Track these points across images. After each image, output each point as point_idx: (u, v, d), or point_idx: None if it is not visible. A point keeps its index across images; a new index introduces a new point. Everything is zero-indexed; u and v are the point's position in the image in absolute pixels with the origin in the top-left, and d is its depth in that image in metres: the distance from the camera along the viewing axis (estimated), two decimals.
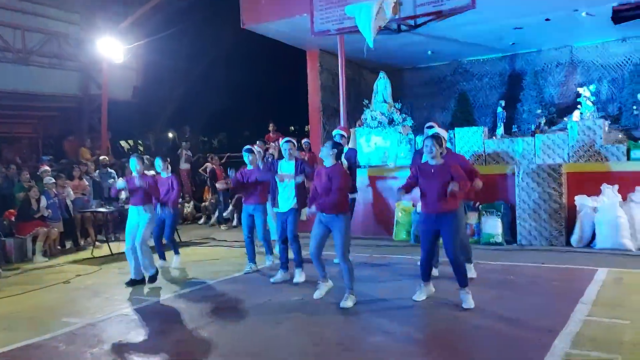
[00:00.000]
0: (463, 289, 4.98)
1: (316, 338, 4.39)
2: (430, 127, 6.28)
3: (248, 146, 7.07)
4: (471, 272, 5.91)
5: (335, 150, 5.28)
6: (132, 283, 6.51)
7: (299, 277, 6.27)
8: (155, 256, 7.45)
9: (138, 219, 6.44)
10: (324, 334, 4.49)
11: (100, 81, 14.94)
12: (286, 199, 6.18)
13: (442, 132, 6.08)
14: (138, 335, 4.64)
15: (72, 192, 9.91)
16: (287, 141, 6.35)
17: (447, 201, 4.84)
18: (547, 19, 10.25)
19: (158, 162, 7.67)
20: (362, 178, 9.12)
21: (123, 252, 8.68)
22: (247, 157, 6.90)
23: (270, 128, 13.80)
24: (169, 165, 7.79)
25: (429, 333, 4.42)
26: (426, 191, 4.99)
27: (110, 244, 8.98)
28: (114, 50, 14.05)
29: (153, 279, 6.53)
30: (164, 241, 7.63)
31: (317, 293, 5.56)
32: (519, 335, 4.23)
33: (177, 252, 7.68)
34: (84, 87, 15.41)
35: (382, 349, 4.11)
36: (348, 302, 5.15)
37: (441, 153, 5.04)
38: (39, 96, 14.17)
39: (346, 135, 7.52)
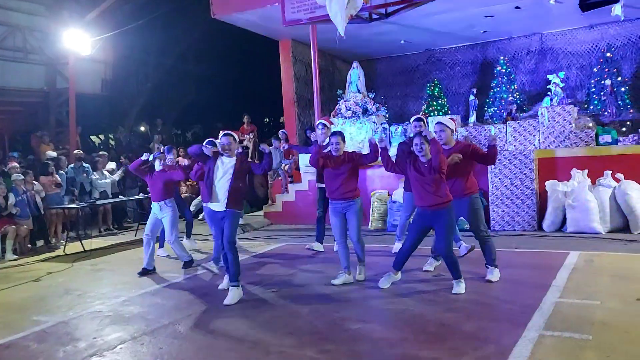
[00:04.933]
0: (455, 280, 5.06)
1: (293, 329, 4.38)
2: (419, 119, 6.14)
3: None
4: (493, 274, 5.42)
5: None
6: (144, 273, 6.62)
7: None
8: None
9: (161, 214, 6.80)
10: (301, 324, 4.49)
11: (67, 74, 14.54)
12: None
13: (449, 122, 5.49)
14: (112, 331, 4.55)
15: (41, 189, 9.63)
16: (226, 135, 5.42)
17: (439, 196, 4.89)
18: (516, 7, 10.37)
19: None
20: None
21: (96, 249, 8.65)
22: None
23: (245, 120, 13.70)
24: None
25: (405, 319, 4.45)
26: (419, 187, 4.99)
27: (82, 240, 8.81)
28: (81, 42, 13.66)
29: (189, 264, 6.91)
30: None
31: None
32: (493, 319, 4.30)
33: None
34: (51, 81, 14.99)
35: (359, 337, 4.12)
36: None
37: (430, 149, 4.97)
38: (3, 91, 13.72)
39: (329, 125, 7.36)
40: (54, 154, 12.09)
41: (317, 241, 7.39)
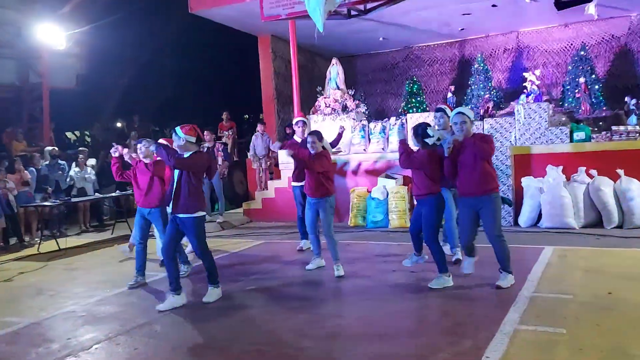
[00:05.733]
0: (439, 274, 5.06)
1: (270, 326, 4.35)
2: (440, 109, 5.97)
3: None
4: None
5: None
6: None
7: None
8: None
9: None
10: (279, 322, 4.47)
11: (40, 69, 14.23)
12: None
13: (469, 113, 5.02)
14: (86, 332, 4.47)
15: (14, 186, 9.40)
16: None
17: (426, 186, 4.99)
18: (493, 5, 10.48)
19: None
20: None
21: (71, 247, 8.49)
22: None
23: (224, 117, 13.60)
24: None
25: (382, 315, 4.46)
26: (414, 175, 5.19)
27: (57, 239, 8.64)
28: (54, 36, 13.37)
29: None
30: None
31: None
32: (469, 314, 4.33)
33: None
34: (23, 76, 14.66)
35: (336, 333, 4.12)
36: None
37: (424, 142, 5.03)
38: None
39: (305, 121, 7.51)
40: (48, 148, 11.78)
41: (303, 239, 7.38)
